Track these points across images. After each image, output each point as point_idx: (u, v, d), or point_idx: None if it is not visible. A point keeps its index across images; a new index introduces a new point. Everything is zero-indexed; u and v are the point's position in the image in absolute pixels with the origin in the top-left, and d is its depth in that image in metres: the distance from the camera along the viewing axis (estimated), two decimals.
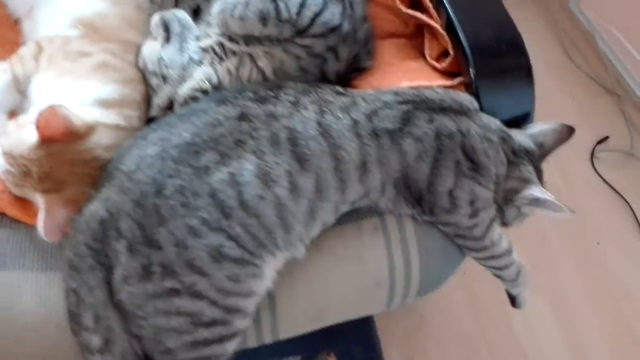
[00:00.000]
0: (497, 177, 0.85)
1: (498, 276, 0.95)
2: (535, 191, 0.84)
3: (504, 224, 0.91)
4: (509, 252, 0.91)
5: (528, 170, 0.87)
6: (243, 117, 0.76)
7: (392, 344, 1.35)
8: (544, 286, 1.46)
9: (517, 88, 0.91)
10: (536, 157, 0.89)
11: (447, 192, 0.83)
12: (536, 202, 0.85)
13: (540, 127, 0.92)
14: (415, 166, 0.81)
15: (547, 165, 0.87)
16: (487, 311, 1.41)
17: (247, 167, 0.73)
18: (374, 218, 0.86)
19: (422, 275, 0.86)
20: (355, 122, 0.79)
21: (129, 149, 0.77)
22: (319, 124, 0.77)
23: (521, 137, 0.89)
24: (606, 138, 1.74)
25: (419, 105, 0.83)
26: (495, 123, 0.87)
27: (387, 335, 1.35)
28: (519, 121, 0.92)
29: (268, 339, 0.85)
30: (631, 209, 1.60)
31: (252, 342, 0.84)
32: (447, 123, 0.82)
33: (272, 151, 0.75)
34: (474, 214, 0.85)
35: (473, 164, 0.82)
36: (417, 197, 0.84)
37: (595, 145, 1.72)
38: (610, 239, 1.56)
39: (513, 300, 1.02)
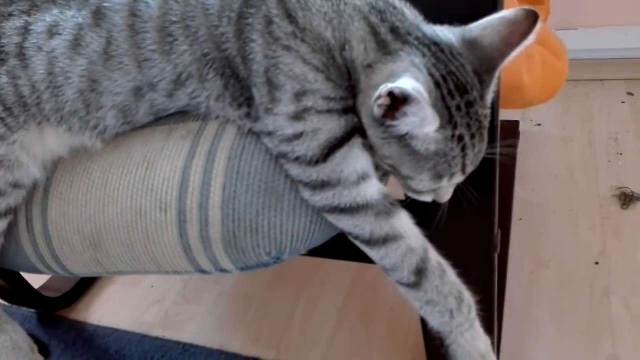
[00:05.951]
0: (348, 64, 0.52)
1: (383, 269, 0.55)
2: (399, 83, 0.47)
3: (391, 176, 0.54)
4: (380, 213, 0.52)
5: (412, 61, 0.50)
6: None
7: None
8: None
9: None
10: (454, 58, 0.51)
11: (263, 73, 0.54)
12: (394, 103, 0.47)
13: (484, 21, 0.53)
14: (220, 26, 0.55)
15: None
16: None
17: (45, 18, 0.63)
18: (195, 122, 0.61)
19: (225, 209, 0.55)
20: None
21: None
22: None
23: (432, 26, 0.53)
24: None
25: None
26: None
27: None
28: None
29: (49, 260, 0.65)
30: None
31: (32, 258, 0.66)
32: None
33: (77, 6, 0.63)
34: (300, 115, 0.52)
35: (295, 27, 0.52)
36: (249, 96, 0.57)
37: None
38: None
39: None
